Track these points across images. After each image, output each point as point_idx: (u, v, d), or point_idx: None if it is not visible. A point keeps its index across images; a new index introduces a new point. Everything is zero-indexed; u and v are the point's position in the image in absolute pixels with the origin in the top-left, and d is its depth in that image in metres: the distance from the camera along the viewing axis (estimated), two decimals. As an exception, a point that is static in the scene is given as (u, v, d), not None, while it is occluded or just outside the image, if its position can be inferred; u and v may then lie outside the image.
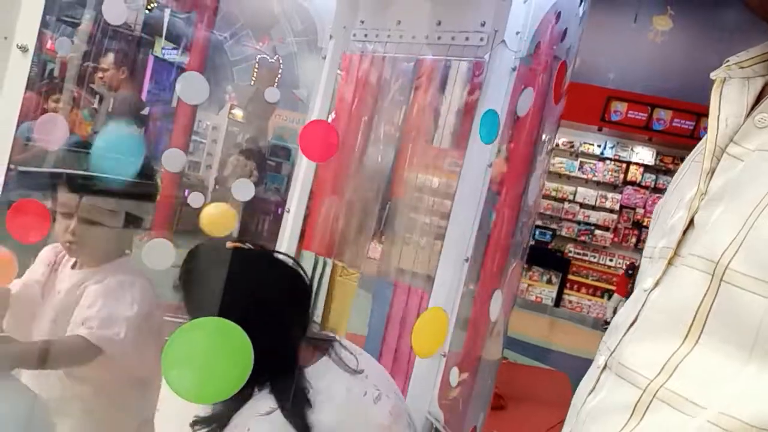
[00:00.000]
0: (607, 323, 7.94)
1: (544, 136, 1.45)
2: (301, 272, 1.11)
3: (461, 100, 1.86)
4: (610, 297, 8.18)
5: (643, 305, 0.63)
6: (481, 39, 1.45)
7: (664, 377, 0.56)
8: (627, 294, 7.79)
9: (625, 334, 0.63)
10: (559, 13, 1.28)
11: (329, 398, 1.03)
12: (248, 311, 0.81)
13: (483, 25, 1.45)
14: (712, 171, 0.60)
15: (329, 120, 1.83)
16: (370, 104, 1.97)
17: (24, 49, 0.67)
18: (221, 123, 6.71)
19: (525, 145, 1.53)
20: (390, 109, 2.04)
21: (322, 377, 1.05)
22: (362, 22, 1.72)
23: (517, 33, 1.38)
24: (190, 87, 1.64)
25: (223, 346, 0.69)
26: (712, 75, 0.65)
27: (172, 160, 1.94)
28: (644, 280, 0.64)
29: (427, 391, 1.40)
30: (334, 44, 1.80)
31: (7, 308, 1.24)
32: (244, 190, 1.81)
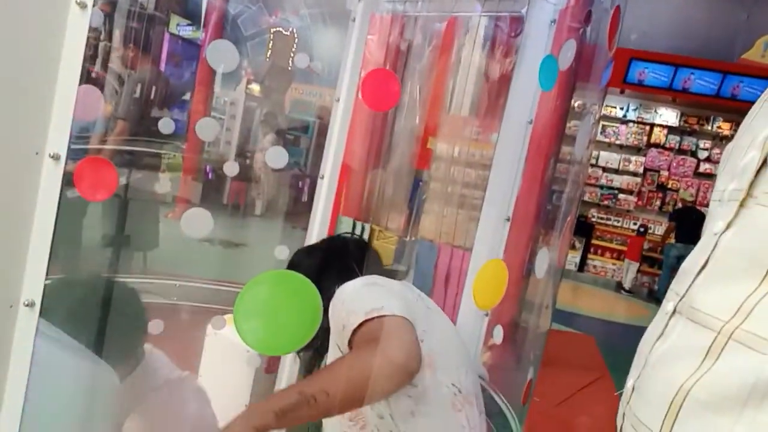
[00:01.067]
0: (623, 288, 7.91)
1: (583, 101, 1.42)
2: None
3: (495, 63, 1.82)
4: (634, 260, 8.12)
5: (714, 248, 0.61)
6: (517, -8, 1.42)
7: (739, 319, 0.54)
8: (639, 259, 7.73)
9: (695, 278, 0.62)
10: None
11: None
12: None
13: (519, -23, 1.41)
14: None
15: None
16: (399, 68, 1.94)
17: (82, 6, 0.66)
18: (239, 98, 6.72)
19: (558, 101, 1.50)
20: (419, 73, 2.01)
21: None
22: (391, -19, 1.69)
23: (556, -16, 1.35)
24: (219, 55, 1.64)
25: (290, 297, 0.70)
26: None
27: (205, 130, 1.94)
28: (714, 224, 0.62)
29: (472, 350, 1.41)
30: (363, 6, 1.77)
31: None
32: (277, 157, 1.80)
